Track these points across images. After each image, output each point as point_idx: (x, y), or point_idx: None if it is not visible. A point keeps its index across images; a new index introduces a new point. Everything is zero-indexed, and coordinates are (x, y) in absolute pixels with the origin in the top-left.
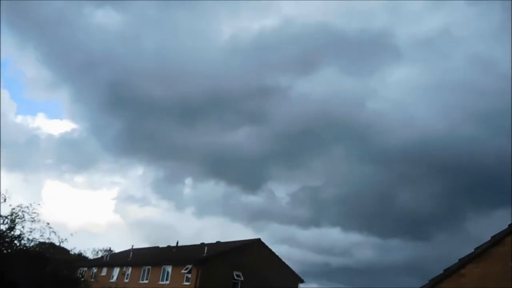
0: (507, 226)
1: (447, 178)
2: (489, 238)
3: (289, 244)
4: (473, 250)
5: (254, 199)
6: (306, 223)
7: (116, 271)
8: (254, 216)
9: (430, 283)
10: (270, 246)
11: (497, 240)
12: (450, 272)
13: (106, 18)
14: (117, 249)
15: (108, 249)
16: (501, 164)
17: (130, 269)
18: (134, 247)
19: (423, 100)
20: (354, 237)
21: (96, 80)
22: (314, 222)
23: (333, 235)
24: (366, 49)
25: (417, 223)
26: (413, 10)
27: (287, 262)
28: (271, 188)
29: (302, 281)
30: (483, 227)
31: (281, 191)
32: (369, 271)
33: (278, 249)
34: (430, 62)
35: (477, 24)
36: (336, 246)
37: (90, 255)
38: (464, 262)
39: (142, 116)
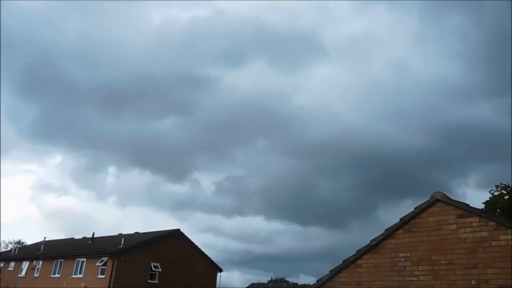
0: (398, 220)
1: (362, 171)
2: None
3: (214, 233)
4: (369, 242)
5: (179, 188)
6: (231, 212)
7: (25, 265)
8: (179, 206)
9: (330, 274)
10: (194, 235)
11: (389, 233)
12: (348, 263)
13: None
14: (30, 241)
15: (18, 241)
16: (409, 158)
17: (40, 262)
18: (47, 239)
19: (344, 97)
20: (276, 226)
21: (13, 61)
22: (238, 211)
23: (256, 223)
24: (294, 46)
25: (334, 212)
26: (339, 12)
27: (210, 251)
28: (196, 177)
29: (220, 270)
30: (392, 215)
31: (206, 180)
32: (288, 257)
33: (202, 238)
34: (352, 62)
35: (395, 30)
36: (259, 234)
37: None
38: (361, 253)
39: (62, 101)
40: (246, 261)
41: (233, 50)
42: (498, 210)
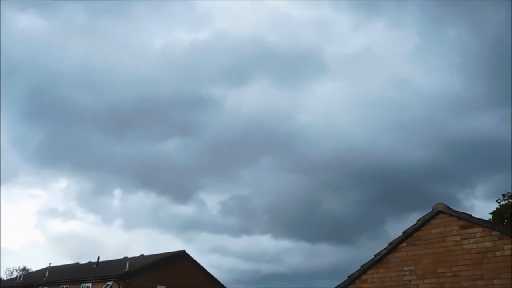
0: (401, 233)
1: (368, 185)
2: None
3: (221, 253)
4: (373, 257)
5: (184, 209)
6: (237, 232)
7: None
8: (185, 227)
9: None
10: (201, 256)
11: (393, 246)
12: (353, 279)
13: (29, 23)
14: (35, 267)
15: (23, 268)
16: (415, 172)
17: None
18: (52, 264)
19: (347, 113)
20: (283, 244)
21: (17, 88)
22: (245, 230)
23: (264, 242)
24: (296, 64)
25: (342, 227)
26: (339, 29)
27: (218, 271)
28: (201, 197)
29: None
30: (400, 229)
31: (211, 200)
32: (298, 275)
33: (209, 259)
34: (354, 78)
35: (395, 46)
36: (267, 253)
37: (3, 275)
38: (365, 268)
39: (66, 126)
40: (254, 281)
41: (235, 70)
42: (505, 220)
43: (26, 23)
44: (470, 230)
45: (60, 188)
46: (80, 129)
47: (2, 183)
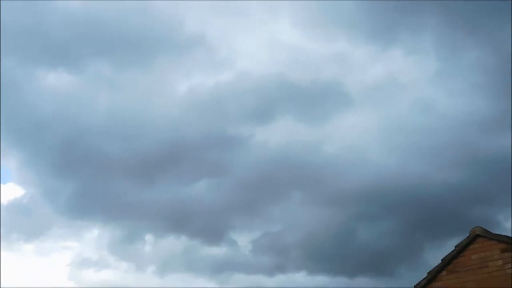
0: (440, 261)
1: (401, 212)
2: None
3: None
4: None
5: (217, 251)
6: (271, 270)
7: None
8: (218, 269)
9: None
10: None
11: (433, 276)
12: None
13: (59, 80)
14: None
15: None
16: (448, 195)
17: None
18: None
19: (373, 141)
20: (320, 279)
21: (47, 143)
22: (279, 268)
23: (299, 279)
24: (319, 97)
25: (379, 259)
26: (357, 61)
27: None
28: (233, 237)
29: None
30: (440, 256)
31: (243, 239)
32: None
33: None
34: (378, 106)
35: (415, 72)
36: None
37: None
38: None
39: (96, 176)
40: None
41: (259, 108)
42: None
43: (55, 80)
44: None
45: (92, 237)
46: (110, 178)
47: (35, 237)
